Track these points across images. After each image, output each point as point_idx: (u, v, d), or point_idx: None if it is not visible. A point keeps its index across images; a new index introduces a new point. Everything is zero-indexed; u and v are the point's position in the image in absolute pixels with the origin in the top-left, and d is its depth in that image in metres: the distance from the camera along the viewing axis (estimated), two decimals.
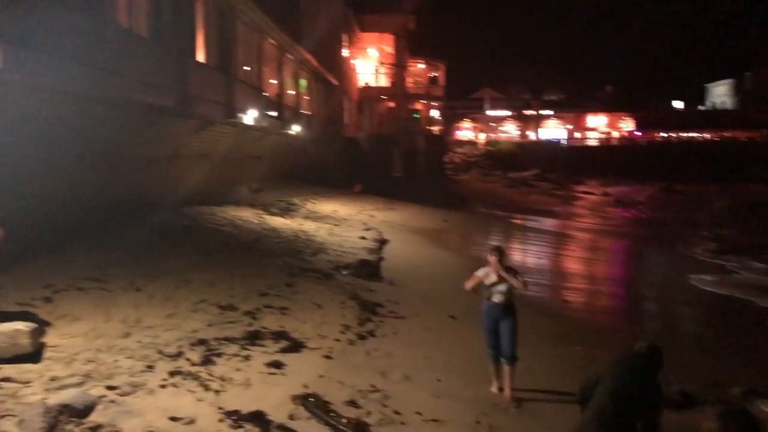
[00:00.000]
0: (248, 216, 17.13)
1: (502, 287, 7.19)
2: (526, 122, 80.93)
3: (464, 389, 7.24)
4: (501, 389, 7.27)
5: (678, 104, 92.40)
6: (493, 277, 7.17)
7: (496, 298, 7.21)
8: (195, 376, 6.39)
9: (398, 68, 43.06)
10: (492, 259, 7.20)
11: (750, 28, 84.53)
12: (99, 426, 5.00)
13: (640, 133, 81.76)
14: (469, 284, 7.37)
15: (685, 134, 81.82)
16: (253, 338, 7.79)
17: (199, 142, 16.16)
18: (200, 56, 16.71)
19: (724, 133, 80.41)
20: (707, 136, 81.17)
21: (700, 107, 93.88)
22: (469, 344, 8.92)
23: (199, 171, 16.64)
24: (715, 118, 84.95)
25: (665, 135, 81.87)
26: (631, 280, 18.37)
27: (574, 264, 20.08)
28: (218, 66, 18.05)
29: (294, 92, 28.28)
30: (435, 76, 50.59)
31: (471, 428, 6.17)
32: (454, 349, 8.63)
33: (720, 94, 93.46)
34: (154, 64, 13.44)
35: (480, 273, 7.27)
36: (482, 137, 78.95)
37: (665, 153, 70.61)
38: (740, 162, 66.11)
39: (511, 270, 7.28)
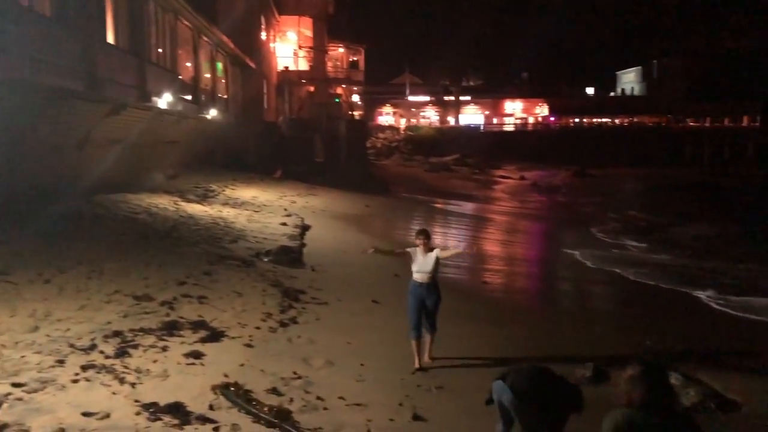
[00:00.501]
0: (164, 203, 16.62)
1: (427, 267, 7.61)
2: (446, 108, 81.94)
3: (388, 372, 7.30)
4: (422, 368, 7.53)
5: (590, 90, 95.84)
6: (421, 258, 7.64)
7: (421, 278, 7.63)
8: (109, 370, 6.18)
9: (318, 52, 42.66)
10: (419, 241, 7.71)
11: (657, 16, 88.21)
12: (5, 425, 4.76)
13: (554, 119, 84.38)
14: (397, 251, 8.22)
15: (597, 119, 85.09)
16: (171, 329, 7.60)
17: (110, 127, 15.49)
18: (110, 38, 15.99)
19: (634, 119, 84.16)
20: (617, 121, 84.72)
21: (611, 93, 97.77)
22: (392, 328, 9.00)
23: (112, 157, 15.97)
24: (625, 104, 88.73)
25: (578, 120, 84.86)
26: (541, 261, 19.00)
27: (492, 246, 20.58)
28: (130, 48, 17.33)
29: (210, 76, 27.54)
30: (355, 61, 50.48)
31: (395, 410, 6.24)
32: (377, 334, 8.68)
33: (629, 80, 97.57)
34: (58, 44, 12.74)
35: (410, 250, 7.79)
36: (403, 123, 79.48)
37: (578, 138, 73.19)
38: (648, 146, 69.39)
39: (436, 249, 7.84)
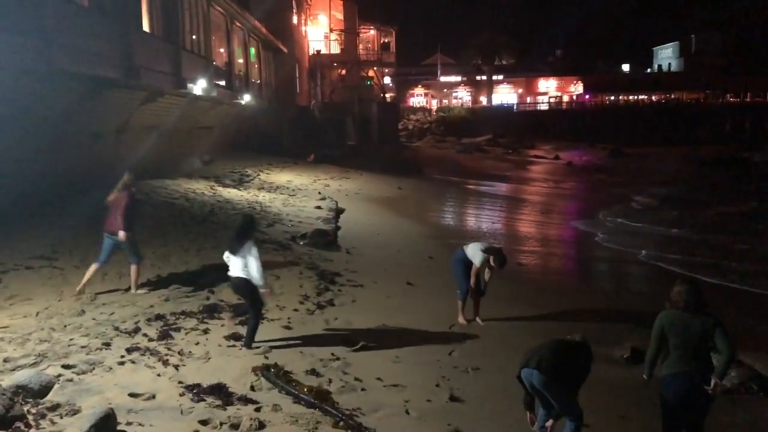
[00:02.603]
0: (201, 188, 16.88)
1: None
2: (478, 88, 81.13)
3: (424, 354, 7.36)
4: (468, 321, 8.54)
5: (625, 67, 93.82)
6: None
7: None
8: (153, 352, 6.35)
9: (349, 34, 42.54)
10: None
11: None
12: (57, 405, 4.95)
13: (588, 97, 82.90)
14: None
15: (633, 97, 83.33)
16: (212, 311, 7.77)
17: (147, 114, 15.75)
18: (145, 25, 16.20)
19: (671, 95, 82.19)
20: (654, 98, 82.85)
21: (648, 70, 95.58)
22: (427, 310, 9.07)
23: (149, 144, 16.26)
24: (662, 81, 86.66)
25: (613, 98, 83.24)
26: (575, 242, 18.81)
27: (527, 227, 20.45)
28: (165, 35, 17.53)
29: (244, 61, 27.73)
30: (386, 42, 50.22)
31: (431, 391, 6.30)
32: (412, 315, 8.74)
33: (666, 56, 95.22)
34: (96, 34, 12.96)
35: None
36: (435, 104, 79.00)
37: (614, 116, 71.82)
38: (687, 124, 67.78)
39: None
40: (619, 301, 11.31)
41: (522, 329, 8.54)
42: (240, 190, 18.23)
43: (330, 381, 6.19)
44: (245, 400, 5.51)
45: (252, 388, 5.79)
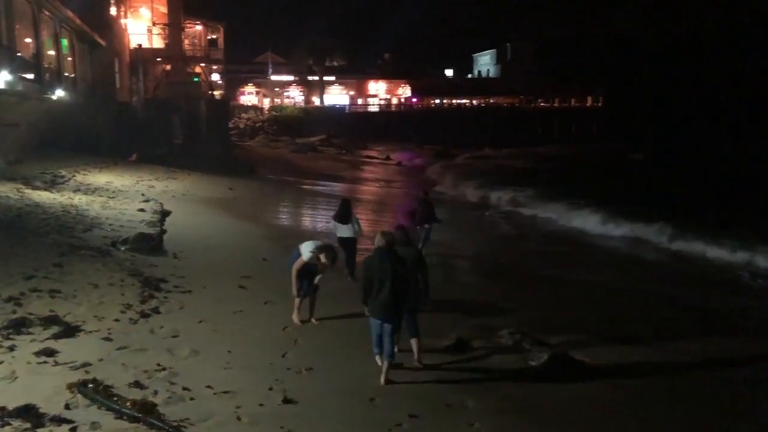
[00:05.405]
0: (5, 191, 15.29)
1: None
2: (310, 88, 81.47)
3: (256, 358, 7.23)
4: (303, 321, 8.63)
5: (449, 72, 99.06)
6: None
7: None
8: None
9: (173, 29, 40.66)
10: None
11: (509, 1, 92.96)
12: None
13: (416, 100, 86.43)
14: None
15: (456, 100, 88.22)
16: (18, 326, 7.06)
17: None
18: None
19: (490, 99, 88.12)
20: (475, 102, 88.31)
21: (469, 75, 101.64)
22: (260, 313, 8.92)
23: None
24: (482, 86, 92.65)
25: (438, 101, 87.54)
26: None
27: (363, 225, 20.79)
28: None
29: (55, 53, 25.54)
30: (214, 39, 48.69)
31: (264, 395, 6.20)
32: (244, 320, 8.56)
33: (485, 63, 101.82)
34: None
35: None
36: (267, 102, 78.13)
37: (440, 118, 75.61)
38: (504, 126, 72.99)
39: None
40: (445, 293, 11.84)
41: (354, 326, 8.67)
42: (53, 192, 16.75)
43: (156, 392, 5.88)
44: (59, 421, 5.08)
45: (67, 407, 5.35)
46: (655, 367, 8.30)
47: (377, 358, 7.18)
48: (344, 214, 11.80)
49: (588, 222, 22.61)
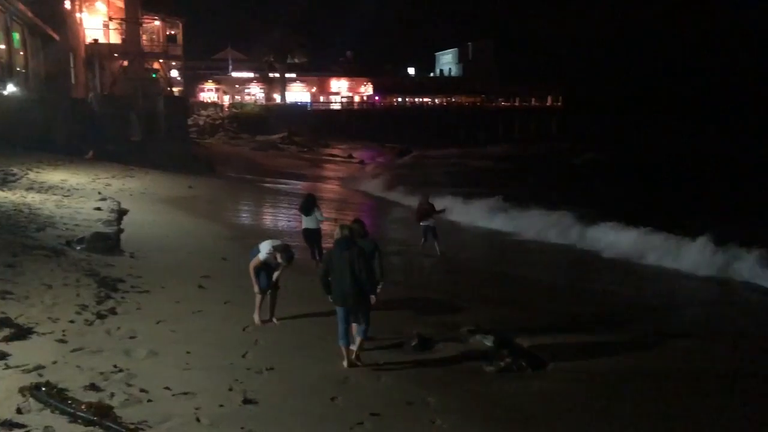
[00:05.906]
0: None
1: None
2: (271, 85, 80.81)
3: (216, 358, 7.14)
4: (264, 321, 8.53)
5: (411, 71, 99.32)
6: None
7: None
8: None
9: (131, 24, 39.91)
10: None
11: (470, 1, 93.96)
12: None
13: (378, 98, 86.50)
14: None
15: (418, 99, 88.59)
16: None
17: None
18: None
19: (452, 98, 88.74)
20: (437, 101, 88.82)
21: (431, 74, 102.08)
22: (219, 312, 8.82)
23: None
24: (444, 85, 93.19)
25: (400, 100, 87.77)
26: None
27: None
28: None
29: (6, 47, 24.82)
30: (173, 34, 47.97)
31: (224, 396, 6.12)
32: (203, 320, 8.44)
33: (446, 62, 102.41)
34: None
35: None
36: (227, 99, 77.26)
37: (402, 117, 75.82)
38: (466, 125, 73.65)
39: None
40: (403, 290, 11.87)
41: (315, 324, 8.64)
42: (4, 190, 16.28)
43: (112, 395, 5.75)
44: (10, 425, 4.93)
45: (19, 411, 5.19)
46: (615, 361, 8.48)
47: (343, 349, 7.27)
48: (307, 206, 12.92)
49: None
